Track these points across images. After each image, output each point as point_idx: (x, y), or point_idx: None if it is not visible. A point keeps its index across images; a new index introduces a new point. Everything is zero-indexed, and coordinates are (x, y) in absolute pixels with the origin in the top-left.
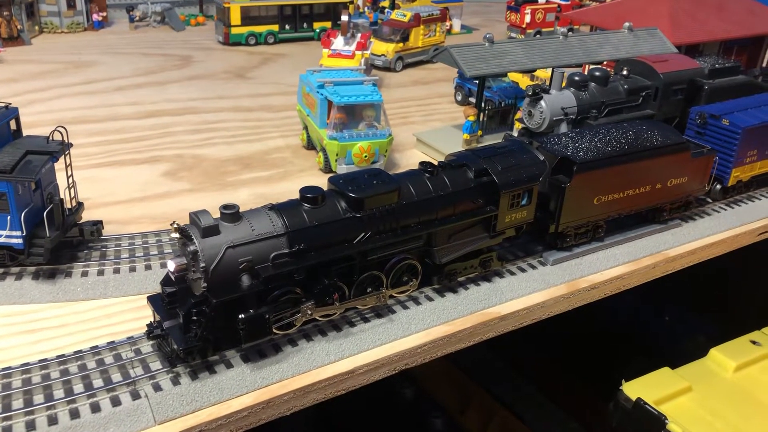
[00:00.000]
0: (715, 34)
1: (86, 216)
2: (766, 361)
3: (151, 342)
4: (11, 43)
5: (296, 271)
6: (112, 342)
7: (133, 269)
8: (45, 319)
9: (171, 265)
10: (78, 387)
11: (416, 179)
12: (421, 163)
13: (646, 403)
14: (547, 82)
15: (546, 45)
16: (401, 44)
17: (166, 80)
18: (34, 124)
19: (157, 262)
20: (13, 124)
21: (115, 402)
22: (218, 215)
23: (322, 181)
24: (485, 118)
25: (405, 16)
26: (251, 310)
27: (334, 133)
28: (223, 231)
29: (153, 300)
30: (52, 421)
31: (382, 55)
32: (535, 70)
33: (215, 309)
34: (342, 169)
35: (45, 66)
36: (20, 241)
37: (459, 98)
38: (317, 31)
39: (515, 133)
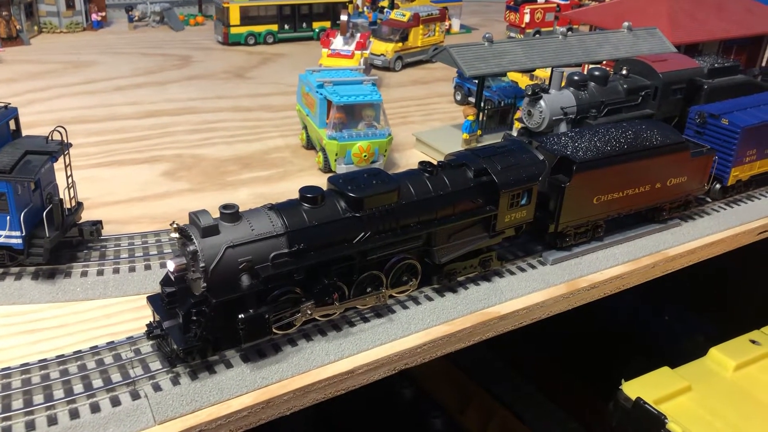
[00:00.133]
0: (715, 33)
1: (86, 216)
2: (765, 361)
3: (150, 342)
4: (10, 43)
5: (296, 271)
6: (112, 342)
7: (132, 269)
8: (44, 319)
9: (170, 265)
10: (78, 387)
11: (416, 179)
12: (421, 163)
13: (645, 403)
14: (547, 82)
15: (545, 45)
16: (400, 44)
17: (166, 80)
18: (34, 124)
19: (156, 262)
20: (12, 124)
21: (115, 402)
22: (218, 215)
23: (321, 181)
24: (485, 118)
25: (404, 15)
26: (251, 310)
27: (333, 132)
28: (223, 231)
29: (152, 300)
30: (52, 421)
31: (382, 54)
32: (534, 70)
33: (215, 309)
34: (341, 168)
35: (44, 66)
36: (20, 241)
37: (458, 98)
38: (316, 30)
39: (515, 133)
